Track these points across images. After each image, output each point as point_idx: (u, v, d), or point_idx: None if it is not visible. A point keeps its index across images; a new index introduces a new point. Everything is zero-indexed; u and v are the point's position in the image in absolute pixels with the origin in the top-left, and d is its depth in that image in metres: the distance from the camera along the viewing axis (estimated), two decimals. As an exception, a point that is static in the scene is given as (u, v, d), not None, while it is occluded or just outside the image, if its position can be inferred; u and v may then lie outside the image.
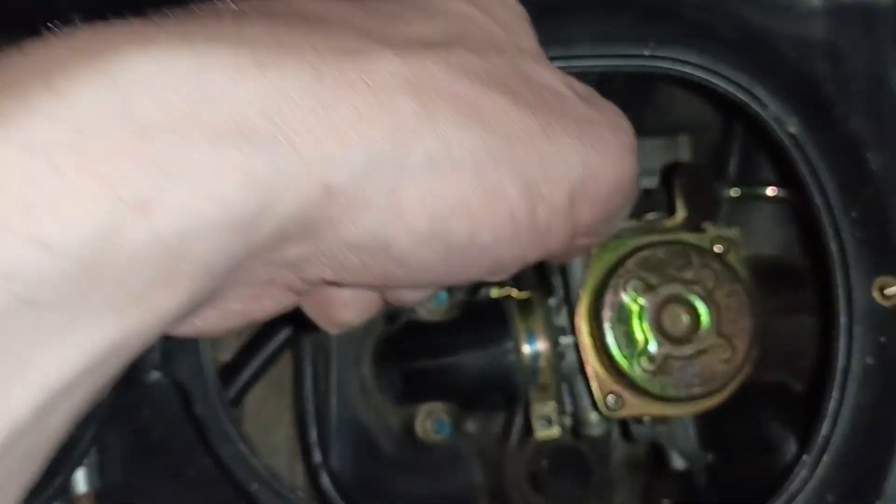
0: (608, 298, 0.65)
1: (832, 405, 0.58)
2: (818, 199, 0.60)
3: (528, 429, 0.75)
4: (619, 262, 0.66)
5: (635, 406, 0.66)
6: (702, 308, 0.64)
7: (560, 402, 0.73)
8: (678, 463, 0.73)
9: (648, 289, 0.65)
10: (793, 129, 0.61)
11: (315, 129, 0.27)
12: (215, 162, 0.25)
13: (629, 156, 0.36)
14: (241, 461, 0.61)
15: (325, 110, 0.27)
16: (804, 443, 0.65)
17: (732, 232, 0.71)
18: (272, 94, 0.26)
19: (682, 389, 0.64)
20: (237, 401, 0.69)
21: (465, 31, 0.34)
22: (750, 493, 0.70)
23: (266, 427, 0.80)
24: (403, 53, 0.30)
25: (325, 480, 0.75)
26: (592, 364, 0.67)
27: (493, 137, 0.31)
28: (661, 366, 0.64)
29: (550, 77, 0.36)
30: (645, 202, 0.78)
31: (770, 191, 0.78)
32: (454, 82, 0.31)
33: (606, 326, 0.65)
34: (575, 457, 0.82)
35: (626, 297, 0.65)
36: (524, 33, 0.37)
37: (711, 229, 0.71)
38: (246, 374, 0.68)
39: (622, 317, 0.65)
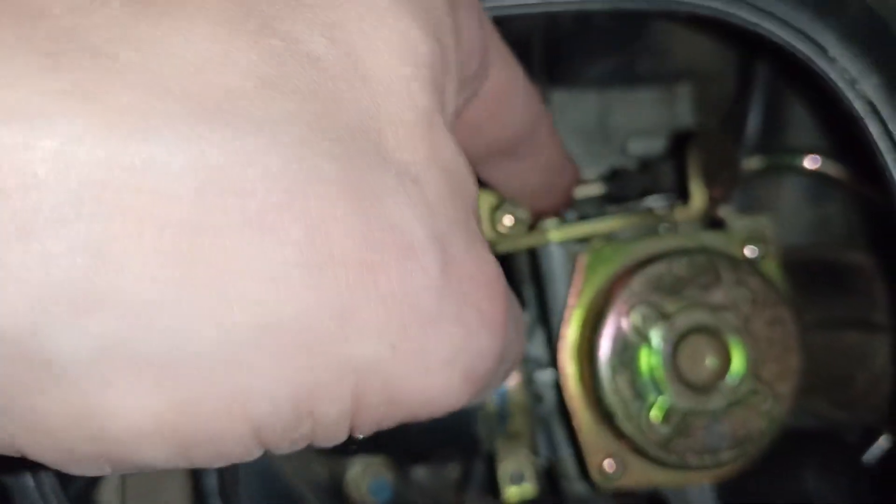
0: (606, 331, 0.47)
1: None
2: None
3: (493, 484, 0.57)
4: (621, 279, 0.48)
5: (641, 474, 0.49)
6: (735, 343, 0.47)
7: (534, 449, 0.55)
8: (688, 524, 0.56)
9: (662, 318, 0.46)
10: (870, 91, 0.43)
11: None
12: None
13: (465, 385, 0.24)
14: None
15: None
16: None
17: (763, 223, 0.53)
18: None
19: (706, 457, 0.46)
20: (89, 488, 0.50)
21: (295, 81, 0.20)
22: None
23: (154, 480, 0.61)
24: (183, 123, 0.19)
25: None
26: (582, 420, 0.49)
27: (238, 322, 0.20)
28: (680, 426, 0.46)
29: (410, 218, 0.22)
30: (643, 179, 0.60)
31: (809, 161, 0.60)
32: (228, 212, 0.19)
33: (604, 371, 0.47)
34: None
35: (630, 330, 0.47)
36: (409, 103, 0.23)
37: (737, 222, 0.53)
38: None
39: (625, 357, 0.47)
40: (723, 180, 0.54)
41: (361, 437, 0.25)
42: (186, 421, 0.20)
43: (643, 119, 0.71)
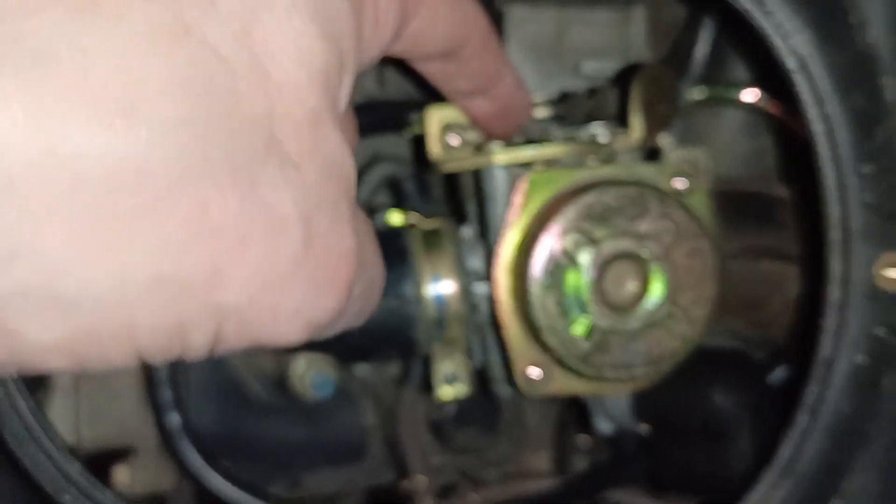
0: (539, 251, 0.50)
1: (804, 417, 0.46)
2: (824, 148, 0.45)
3: (430, 384, 0.62)
4: (556, 205, 0.51)
5: (562, 384, 0.53)
6: (656, 270, 0.50)
7: (469, 354, 0.60)
8: (604, 427, 0.62)
9: (591, 243, 0.50)
10: (801, 47, 0.45)
11: None
12: None
13: (305, 330, 0.30)
14: (48, 466, 0.46)
15: None
16: (759, 432, 0.54)
17: (697, 154, 0.56)
18: None
19: (621, 371, 0.51)
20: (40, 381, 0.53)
21: (204, 81, 0.24)
22: (687, 477, 0.59)
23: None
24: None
25: (186, 447, 0.61)
26: (512, 331, 0.53)
27: (130, 276, 0.24)
28: (600, 342, 0.50)
29: (284, 200, 0.27)
30: (587, 104, 0.62)
31: (748, 95, 0.63)
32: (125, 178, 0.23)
33: (534, 289, 0.50)
34: (483, 404, 0.70)
35: (561, 253, 0.50)
36: (298, 104, 0.27)
37: (673, 153, 0.55)
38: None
39: (555, 278, 0.50)
40: (663, 112, 0.57)
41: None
42: (83, 344, 0.26)
43: (598, 39, 0.72)
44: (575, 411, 0.68)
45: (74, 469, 0.46)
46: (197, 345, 0.28)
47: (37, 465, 0.46)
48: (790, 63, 0.45)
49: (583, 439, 0.74)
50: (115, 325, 0.25)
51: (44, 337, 0.24)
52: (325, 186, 0.28)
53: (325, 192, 0.28)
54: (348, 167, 0.30)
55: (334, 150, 0.28)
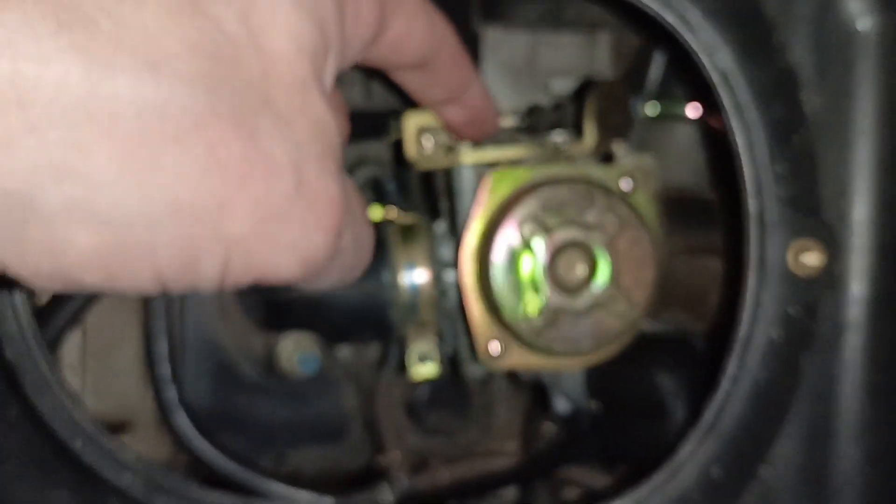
0: (499, 239, 0.57)
1: (726, 383, 0.53)
2: (743, 150, 0.52)
3: (404, 367, 0.68)
4: (517, 198, 0.58)
5: (519, 358, 0.60)
6: (601, 256, 0.57)
7: (440, 336, 0.66)
8: (561, 406, 0.68)
9: (545, 231, 0.57)
10: (724, 63, 0.52)
11: None
12: None
13: (301, 265, 0.34)
14: (62, 413, 0.52)
15: None
16: (695, 406, 0.60)
17: (645, 161, 0.63)
18: None
19: (569, 345, 0.58)
20: (56, 340, 0.60)
21: (211, 49, 0.30)
22: (632, 450, 0.66)
23: (108, 344, 0.71)
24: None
25: (182, 419, 0.67)
26: (475, 310, 0.59)
27: (154, 199, 0.29)
28: (551, 319, 0.57)
29: (277, 149, 0.32)
30: (551, 116, 0.69)
31: (691, 112, 0.70)
32: (148, 111, 0.29)
33: (494, 272, 0.57)
34: (454, 388, 0.77)
35: (518, 240, 0.57)
36: (288, 72, 0.32)
37: (623, 160, 0.63)
38: (69, 308, 0.58)
39: (512, 262, 0.57)
40: (615, 122, 0.64)
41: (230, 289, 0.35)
42: (113, 258, 0.31)
43: (565, 61, 0.80)
44: (538, 399, 0.74)
45: (85, 417, 0.52)
46: (208, 274, 0.32)
47: (52, 413, 0.52)
48: (714, 77, 0.52)
49: (547, 427, 0.80)
50: (140, 242, 0.31)
51: (83, 248, 0.30)
52: (312, 142, 0.33)
53: (313, 146, 0.33)
54: (333, 132, 0.35)
55: (321, 115, 0.34)
